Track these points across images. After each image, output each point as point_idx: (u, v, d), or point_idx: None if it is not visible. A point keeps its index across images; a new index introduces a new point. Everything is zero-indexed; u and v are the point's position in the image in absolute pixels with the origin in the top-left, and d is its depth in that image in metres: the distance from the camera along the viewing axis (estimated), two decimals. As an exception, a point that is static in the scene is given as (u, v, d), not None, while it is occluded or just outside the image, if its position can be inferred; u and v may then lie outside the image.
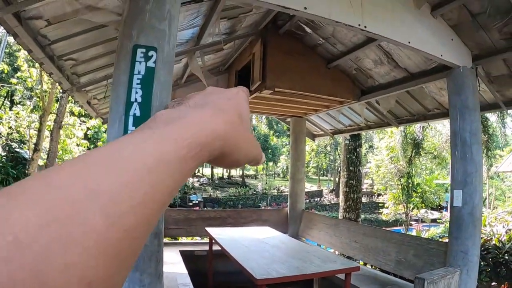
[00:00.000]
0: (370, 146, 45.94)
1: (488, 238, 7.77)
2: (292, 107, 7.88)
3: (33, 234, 0.26)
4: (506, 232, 7.93)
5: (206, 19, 4.83)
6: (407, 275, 5.49)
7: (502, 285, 7.04)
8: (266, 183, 57.88)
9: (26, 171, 23.17)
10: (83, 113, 23.57)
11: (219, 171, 65.62)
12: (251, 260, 4.46)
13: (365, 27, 3.90)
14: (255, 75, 6.10)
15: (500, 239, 7.46)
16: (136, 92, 2.49)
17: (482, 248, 6.90)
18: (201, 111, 0.46)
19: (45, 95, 20.95)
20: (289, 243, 5.82)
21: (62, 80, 5.10)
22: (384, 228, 21.17)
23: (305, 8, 3.47)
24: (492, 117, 21.53)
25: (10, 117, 23.44)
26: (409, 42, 4.28)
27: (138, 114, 2.48)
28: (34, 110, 23.36)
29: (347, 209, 12.33)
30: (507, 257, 6.70)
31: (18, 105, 25.33)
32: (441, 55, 4.60)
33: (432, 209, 27.60)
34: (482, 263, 6.66)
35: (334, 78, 6.68)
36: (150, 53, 2.53)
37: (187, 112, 0.45)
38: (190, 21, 4.73)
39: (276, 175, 68.59)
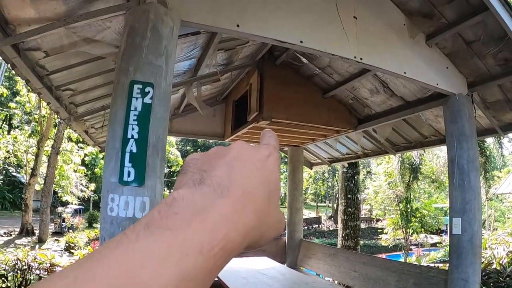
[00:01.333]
0: (368, 172, 45.81)
1: (489, 263, 7.70)
2: (289, 137, 7.89)
3: None
4: (507, 255, 7.87)
5: (203, 51, 4.86)
6: (407, 305, 5.44)
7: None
8: (264, 211, 57.66)
9: (23, 196, 23.06)
10: (81, 140, 23.61)
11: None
12: (250, 294, 4.41)
13: (361, 59, 3.93)
14: (252, 106, 6.12)
15: (501, 262, 7.39)
16: (133, 129, 2.48)
17: (483, 273, 6.85)
18: (229, 202, 0.37)
19: (44, 120, 20.99)
20: (288, 275, 5.77)
21: (59, 110, 5.11)
22: (383, 253, 21.01)
23: (301, 42, 3.51)
24: (489, 139, 21.64)
25: (8, 141, 23.41)
26: (404, 73, 4.32)
27: (134, 150, 2.47)
28: (32, 135, 23.33)
29: (346, 237, 12.24)
30: (508, 281, 6.63)
31: (16, 130, 25.34)
32: (437, 84, 4.64)
33: (432, 233, 27.42)
34: (483, 288, 6.61)
35: (330, 108, 6.71)
36: (146, 89, 2.54)
37: (214, 202, 0.37)
38: (187, 53, 4.76)
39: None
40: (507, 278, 6.70)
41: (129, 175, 2.46)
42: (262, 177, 0.43)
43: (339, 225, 12.91)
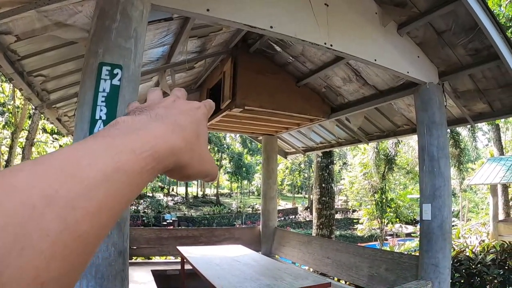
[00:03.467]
0: (344, 163, 46.25)
1: (461, 250, 7.86)
2: (263, 125, 7.93)
3: None
4: (480, 243, 8.06)
5: (176, 37, 4.84)
6: (380, 290, 5.53)
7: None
8: (241, 201, 57.63)
9: (-3, 188, 22.71)
10: (56, 130, 23.27)
11: (193, 190, 65.21)
12: (222, 279, 4.43)
13: (331, 45, 3.97)
14: (226, 93, 6.13)
15: (473, 250, 7.55)
16: (101, 110, 2.50)
17: (455, 260, 6.99)
18: (162, 126, 0.46)
19: (18, 111, 20.62)
20: (261, 261, 5.81)
21: (31, 97, 5.05)
22: (359, 243, 21.29)
23: (271, 27, 3.53)
24: (464, 131, 22.02)
25: (-19, 133, 22.94)
26: (375, 60, 4.37)
27: None
28: (5, 126, 22.90)
29: (321, 226, 12.34)
30: (479, 268, 6.79)
31: (-10, 121, 24.84)
32: (408, 72, 4.71)
33: (407, 223, 27.89)
34: (456, 274, 6.76)
35: (304, 96, 6.76)
36: (115, 71, 2.54)
37: (148, 124, 0.46)
38: (160, 39, 4.73)
39: (250, 193, 68.42)
40: (479, 265, 6.85)
41: None
42: (191, 118, 0.53)
43: (314, 214, 13.00)
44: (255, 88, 6.18)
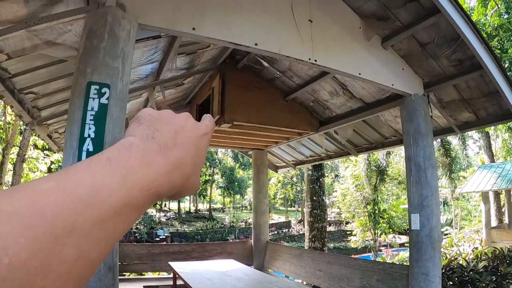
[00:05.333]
0: (336, 175, 46.24)
1: (453, 258, 7.89)
2: (252, 140, 8.00)
3: (24, 260, 0.32)
4: (473, 251, 8.08)
5: (164, 55, 4.92)
6: (371, 301, 5.56)
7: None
8: (234, 216, 57.42)
9: (-12, 205, 22.48)
10: (47, 147, 23.11)
11: (186, 206, 64.87)
12: (213, 293, 4.47)
13: (316, 60, 4.06)
14: (214, 109, 6.19)
15: (466, 258, 7.58)
16: (90, 128, 2.56)
17: (448, 268, 7.01)
18: (167, 162, 0.49)
19: (9, 127, 20.52)
20: (252, 275, 5.84)
21: (22, 114, 5.08)
22: (353, 255, 21.23)
23: (256, 44, 3.62)
24: (454, 140, 22.14)
25: (-28, 149, 22.75)
26: (359, 74, 4.47)
27: (91, 149, 2.55)
28: (-4, 142, 22.76)
29: (313, 239, 12.34)
30: (472, 275, 6.80)
31: (-20, 137, 24.65)
32: (392, 85, 4.81)
33: (400, 233, 27.82)
34: (448, 283, 6.76)
35: (292, 110, 6.84)
36: (103, 90, 2.61)
37: (156, 158, 0.48)
38: (149, 57, 4.81)
39: (243, 208, 68.20)
40: (471, 272, 6.87)
41: None
42: (195, 150, 0.56)
43: (306, 227, 13.01)
44: (243, 103, 6.25)
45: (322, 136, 7.59)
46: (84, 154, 2.54)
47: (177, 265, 6.40)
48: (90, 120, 2.57)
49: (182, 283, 5.98)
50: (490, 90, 4.92)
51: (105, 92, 2.62)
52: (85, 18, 2.95)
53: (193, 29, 3.27)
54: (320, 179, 12.89)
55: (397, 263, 8.70)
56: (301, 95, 6.74)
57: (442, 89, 5.25)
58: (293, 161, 9.94)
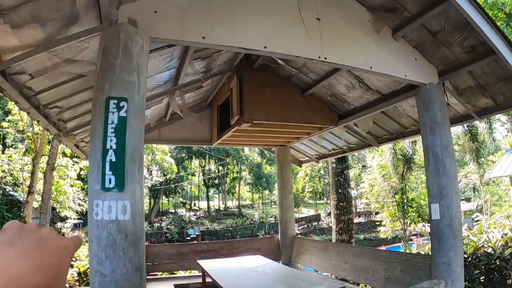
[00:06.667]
0: (363, 166, 45.85)
1: (479, 246, 7.81)
2: (274, 137, 8.14)
3: None
4: (502, 237, 7.97)
5: (181, 61, 5.08)
6: (397, 291, 5.60)
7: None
8: (263, 211, 57.51)
9: (21, 214, 23.01)
10: (75, 154, 23.56)
11: (215, 204, 65.30)
12: (239, 288, 4.61)
13: (325, 58, 4.14)
14: (234, 110, 6.33)
15: (496, 244, 7.49)
16: (111, 140, 2.77)
17: (474, 256, 6.97)
18: (30, 264, 0.55)
19: (37, 137, 20.98)
20: (278, 270, 5.96)
21: (49, 127, 5.30)
22: (383, 246, 21.10)
23: (265, 47, 3.73)
24: (481, 124, 21.79)
25: (3, 160, 23.25)
26: (371, 68, 4.52)
27: (113, 160, 2.76)
28: (26, 153, 23.20)
29: (340, 231, 12.38)
30: (498, 263, 6.75)
31: (11, 148, 25.16)
32: (406, 75, 4.82)
33: (429, 221, 27.44)
34: (475, 271, 6.73)
35: (310, 106, 6.92)
36: (121, 104, 2.81)
37: (21, 260, 0.54)
38: (165, 64, 4.97)
39: (272, 203, 68.24)
40: (497, 260, 6.81)
41: (110, 182, 2.74)
42: (58, 257, 0.61)
43: (332, 220, 13.05)
44: (261, 102, 6.36)
45: (342, 129, 7.64)
46: (107, 164, 2.74)
47: (205, 263, 6.56)
48: (111, 133, 2.78)
49: (211, 280, 6.15)
50: (505, 75, 4.87)
51: (123, 106, 2.82)
52: (100, 36, 3.13)
53: (203, 38, 3.41)
54: (345, 172, 12.91)
55: (422, 253, 8.64)
56: (318, 90, 6.81)
57: (457, 77, 5.21)
58: (316, 155, 10.02)
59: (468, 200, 45.74)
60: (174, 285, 6.98)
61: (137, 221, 2.85)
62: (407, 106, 6.37)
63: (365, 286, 7.11)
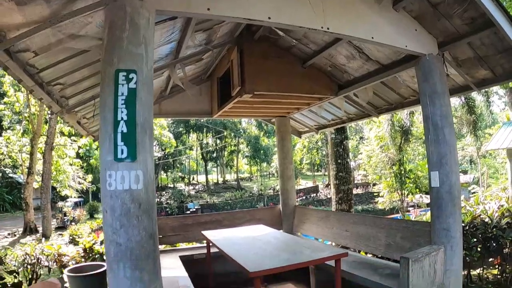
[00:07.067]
0: (361, 138, 45.98)
1: (476, 215, 7.92)
2: (274, 108, 8.20)
3: None
4: (499, 208, 8.08)
5: (182, 34, 5.10)
6: (397, 257, 5.67)
7: (495, 260, 7.26)
8: (262, 184, 57.95)
9: (22, 195, 23.14)
10: (73, 132, 23.61)
11: (214, 177, 65.65)
12: (244, 256, 4.71)
13: (328, 28, 4.18)
14: (235, 81, 6.37)
15: (492, 214, 7.61)
16: (122, 112, 2.84)
17: (471, 225, 7.09)
18: None
19: (34, 118, 20.98)
20: (281, 238, 6.08)
21: (52, 104, 5.32)
22: (381, 216, 21.29)
23: (269, 18, 3.77)
24: (479, 97, 21.81)
25: (1, 143, 23.34)
26: (372, 38, 4.57)
27: (125, 130, 2.84)
28: (24, 134, 23.28)
29: (339, 201, 12.52)
30: (495, 232, 6.86)
31: (8, 131, 25.19)
32: (406, 46, 4.87)
33: (427, 193, 27.58)
34: (472, 239, 6.85)
35: (311, 76, 6.97)
36: (130, 76, 2.88)
37: None
38: (167, 37, 4.99)
39: (271, 175, 68.67)
40: (494, 229, 6.93)
41: (122, 153, 2.82)
42: None
43: (332, 190, 13.17)
44: (262, 73, 6.41)
45: (342, 99, 7.69)
46: (119, 135, 2.82)
47: (209, 234, 6.67)
48: (122, 104, 2.84)
49: (215, 250, 6.27)
50: (504, 47, 4.91)
51: (133, 78, 2.88)
52: (105, 10, 3.16)
53: (208, 9, 3.45)
54: (344, 142, 12.99)
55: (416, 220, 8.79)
56: (318, 61, 6.84)
57: (457, 48, 5.25)
58: (315, 125, 10.09)
59: (465, 172, 46.21)
60: (180, 256, 7.10)
61: (149, 190, 2.93)
62: (406, 77, 6.42)
63: (365, 253, 7.22)
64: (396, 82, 6.71)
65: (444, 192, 4.87)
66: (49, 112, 20.26)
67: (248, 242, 5.74)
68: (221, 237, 6.30)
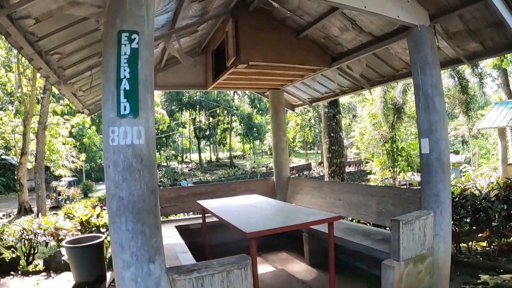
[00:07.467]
0: (354, 116, 46.14)
1: (466, 188, 8.09)
2: (268, 79, 8.30)
3: None
4: (488, 185, 8.26)
5: (179, 3, 5.16)
6: (389, 224, 5.83)
7: (484, 233, 7.48)
8: (254, 161, 58.18)
9: (16, 176, 23.12)
10: (66, 111, 23.51)
11: (206, 155, 65.73)
12: (241, 220, 4.86)
13: (323, -4, 4.27)
14: (230, 52, 6.46)
15: (482, 188, 7.79)
16: (124, 70, 2.96)
17: (461, 197, 7.26)
18: None
19: (26, 98, 20.86)
20: (276, 205, 6.22)
21: (50, 74, 5.37)
22: (373, 185, 21.49)
23: (266, -15, 3.86)
24: (472, 78, 21.90)
25: (-6, 124, 23.16)
26: (365, 7, 4.66)
27: (127, 88, 2.96)
28: (17, 114, 23.15)
29: (332, 174, 12.71)
30: (484, 204, 7.03)
31: (0, 111, 25.06)
32: (398, 16, 4.97)
33: (419, 171, 27.89)
34: (461, 210, 7.02)
35: (304, 48, 7.07)
36: (133, 36, 2.99)
37: None
38: (164, 7, 5.04)
39: (263, 153, 68.92)
40: (483, 201, 7.10)
41: (125, 109, 2.93)
42: None
43: (325, 163, 13.34)
44: (257, 43, 6.49)
45: (335, 71, 7.79)
46: (122, 92, 2.94)
47: (205, 203, 6.78)
48: (124, 63, 2.96)
49: (211, 220, 6.42)
50: (495, 21, 5.00)
51: (135, 38, 2.99)
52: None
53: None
54: (337, 116, 13.13)
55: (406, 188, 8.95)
56: (312, 33, 6.92)
57: (448, 20, 5.34)
58: (308, 98, 10.20)
59: (457, 153, 46.68)
60: (176, 226, 7.23)
61: (150, 146, 3.04)
62: (398, 49, 6.52)
63: (358, 221, 7.42)
64: (388, 54, 6.81)
65: (434, 158, 5.02)
66: (41, 91, 20.17)
67: (244, 209, 5.88)
68: (217, 205, 6.42)
